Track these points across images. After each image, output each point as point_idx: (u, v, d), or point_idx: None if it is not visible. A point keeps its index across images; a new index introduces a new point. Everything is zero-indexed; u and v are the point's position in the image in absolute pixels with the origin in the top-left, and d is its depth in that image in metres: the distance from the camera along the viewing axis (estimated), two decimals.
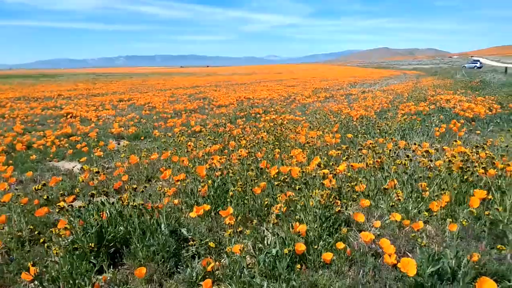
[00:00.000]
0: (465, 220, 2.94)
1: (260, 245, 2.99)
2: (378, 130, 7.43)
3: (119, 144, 9.06)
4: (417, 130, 7.72)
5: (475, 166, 3.91)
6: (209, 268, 2.95)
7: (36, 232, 2.88)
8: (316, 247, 3.04)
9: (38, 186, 2.97)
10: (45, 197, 3.02)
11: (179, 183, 4.17)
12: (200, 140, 6.11)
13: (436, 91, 17.51)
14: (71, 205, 3.19)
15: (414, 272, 2.44)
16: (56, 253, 2.48)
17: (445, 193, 3.53)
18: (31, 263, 2.33)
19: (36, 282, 2.94)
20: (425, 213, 3.39)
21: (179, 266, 3.09)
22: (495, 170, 3.89)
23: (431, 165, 4.21)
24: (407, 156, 4.23)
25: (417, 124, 7.93)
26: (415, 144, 4.85)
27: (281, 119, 9.55)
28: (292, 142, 6.55)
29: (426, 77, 37.32)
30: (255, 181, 4.54)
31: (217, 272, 3.00)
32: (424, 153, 4.33)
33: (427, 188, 3.83)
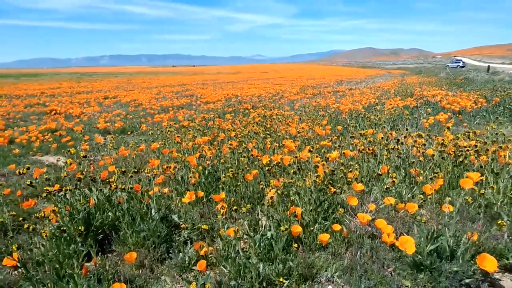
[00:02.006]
0: (461, 202, 2.92)
1: (256, 228, 2.90)
2: (368, 122, 7.43)
3: (105, 138, 8.87)
4: (406, 121, 7.76)
5: (468, 150, 3.91)
6: (202, 252, 2.86)
7: (20, 219, 2.73)
8: (311, 229, 2.97)
9: (22, 170, 2.81)
10: (28, 182, 2.87)
11: (169, 170, 4.06)
12: (190, 131, 5.99)
13: (422, 88, 17.71)
14: (57, 191, 3.05)
15: (413, 250, 2.39)
16: (44, 235, 2.35)
17: (438, 176, 3.51)
18: (15, 246, 2.19)
19: (20, 270, 2.81)
20: (420, 195, 3.36)
21: (170, 252, 2.98)
22: (487, 155, 3.89)
23: (423, 150, 4.20)
24: (398, 140, 4.21)
25: (406, 116, 7.97)
26: (407, 129, 4.83)
27: (271, 113, 9.49)
28: (282, 133, 6.49)
29: (411, 76, 37.79)
30: (247, 168, 4.47)
31: (210, 256, 2.91)
32: (416, 139, 4.32)
33: (422, 172, 3.81)
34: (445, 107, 9.89)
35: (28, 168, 2.94)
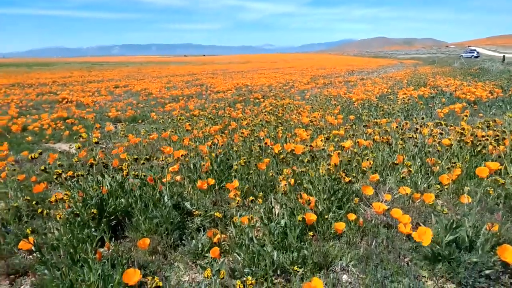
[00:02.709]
0: (481, 192, 2.84)
1: (270, 216, 2.87)
2: (381, 112, 7.31)
3: (116, 127, 8.90)
4: (420, 111, 7.61)
5: (487, 139, 3.80)
6: (215, 240, 2.84)
7: (34, 203, 2.74)
8: (326, 217, 2.93)
9: (34, 155, 2.81)
10: (42, 168, 2.87)
11: (181, 158, 4.04)
12: (201, 120, 5.96)
13: (435, 78, 17.39)
14: (70, 177, 3.05)
15: (429, 241, 2.33)
16: (59, 218, 2.35)
17: (456, 165, 3.43)
18: (29, 229, 2.19)
19: (34, 254, 2.83)
20: (437, 185, 3.28)
21: (183, 239, 2.97)
22: (505, 145, 3.79)
23: (439, 140, 4.11)
24: (416, 129, 4.11)
25: (420, 106, 7.82)
26: (423, 118, 4.72)
27: (282, 102, 9.40)
28: (294, 122, 6.42)
29: (424, 66, 37.15)
30: (259, 157, 4.42)
31: (223, 243, 2.89)
32: (432, 128, 4.22)
33: (439, 162, 3.72)
34: (460, 97, 9.69)
35: (40, 153, 2.94)
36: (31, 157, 2.87)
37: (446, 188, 3.46)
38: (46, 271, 2.24)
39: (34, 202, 2.74)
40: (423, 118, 4.69)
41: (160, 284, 1.63)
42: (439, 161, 3.75)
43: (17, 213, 3.43)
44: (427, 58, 62.54)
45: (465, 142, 3.88)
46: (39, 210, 2.63)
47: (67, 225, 2.53)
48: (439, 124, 4.15)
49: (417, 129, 4.12)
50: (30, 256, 2.84)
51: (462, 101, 9.05)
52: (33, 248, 2.41)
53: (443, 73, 22.77)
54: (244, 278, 2.11)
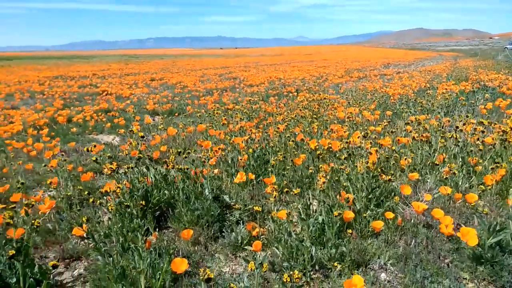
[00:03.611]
0: None
1: (307, 212, 2.92)
2: (419, 108, 7.13)
3: (154, 119, 9.20)
4: (462, 107, 7.35)
5: None
6: (254, 233, 2.93)
7: (86, 193, 2.93)
8: (364, 215, 2.94)
9: (90, 148, 3.01)
10: (94, 159, 3.06)
11: (219, 152, 4.15)
12: (237, 114, 6.06)
13: (477, 71, 16.62)
14: (117, 168, 3.23)
15: (476, 242, 2.30)
16: (110, 209, 2.51)
17: (501, 166, 3.33)
18: (85, 218, 2.36)
19: (85, 241, 3.03)
20: (481, 186, 3.20)
21: (223, 231, 3.08)
22: None
23: (482, 139, 3.98)
24: (457, 127, 4.00)
25: (461, 102, 7.55)
26: (467, 116, 4.58)
27: (317, 97, 9.35)
28: (330, 118, 6.39)
29: (465, 58, 35.50)
30: (295, 152, 4.47)
31: (261, 237, 2.98)
32: (476, 126, 4.09)
33: (481, 161, 3.62)
34: (505, 92, 9.24)
35: (94, 146, 3.13)
36: (87, 149, 3.06)
37: (489, 189, 3.37)
38: (99, 257, 2.41)
39: (86, 192, 2.93)
40: (467, 116, 4.54)
41: (212, 276, 1.73)
42: (482, 161, 3.65)
43: (68, 201, 3.67)
44: (469, 50, 59.69)
45: (508, 142, 3.75)
46: (91, 200, 2.82)
47: (117, 215, 2.70)
48: (481, 123, 4.02)
49: (457, 127, 4.01)
50: (82, 242, 3.05)
51: (507, 97, 8.63)
52: (85, 235, 2.60)
53: (486, 66, 21.70)
54: (285, 272, 2.18)
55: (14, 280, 2.04)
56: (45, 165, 4.03)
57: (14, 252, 1.99)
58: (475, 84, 10.88)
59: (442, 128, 4.57)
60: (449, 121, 4.65)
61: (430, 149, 4.19)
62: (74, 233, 2.79)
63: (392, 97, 9.01)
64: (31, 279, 2.12)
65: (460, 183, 3.66)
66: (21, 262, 2.07)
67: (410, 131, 4.62)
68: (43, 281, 2.12)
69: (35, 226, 2.32)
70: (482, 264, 2.43)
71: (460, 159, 3.92)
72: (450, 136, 3.95)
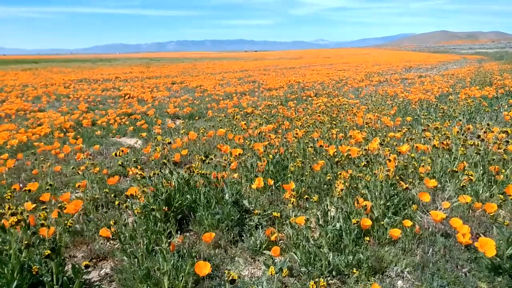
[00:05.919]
0: None
1: (325, 219, 2.98)
2: (440, 113, 7.05)
3: (175, 123, 9.40)
4: (484, 114, 7.23)
5: None
6: (273, 238, 3.01)
7: (112, 195, 3.07)
8: (382, 223, 2.98)
9: (118, 152, 3.16)
10: (120, 163, 3.21)
11: (239, 157, 4.25)
12: (257, 119, 6.15)
13: (503, 76, 16.21)
14: (142, 171, 3.37)
15: (494, 252, 2.32)
16: (136, 212, 2.64)
17: None
18: (113, 221, 2.49)
19: (111, 241, 3.18)
20: (500, 196, 3.19)
21: (242, 235, 3.17)
22: None
23: (505, 147, 3.94)
24: (479, 136, 3.98)
25: (484, 108, 7.43)
26: (488, 124, 4.53)
27: (336, 101, 9.36)
28: (349, 123, 6.41)
29: (490, 62, 34.61)
30: (314, 159, 4.52)
31: (280, 242, 3.05)
32: (498, 135, 4.05)
33: (503, 170, 3.59)
34: None
35: (122, 151, 3.28)
36: (115, 154, 3.21)
37: (511, 199, 3.34)
38: (125, 257, 2.54)
39: (112, 195, 3.08)
40: (488, 125, 4.49)
41: (236, 277, 1.82)
42: (503, 170, 3.62)
43: (94, 203, 3.84)
44: (494, 53, 58.13)
45: None
46: (117, 202, 2.96)
47: (142, 217, 2.83)
48: (507, 133, 3.98)
49: (479, 135, 3.98)
50: (108, 243, 3.20)
51: None
52: (111, 236, 2.74)
53: None
54: (303, 276, 2.25)
55: (50, 278, 2.18)
56: (73, 168, 4.22)
57: (49, 251, 2.13)
58: (499, 90, 10.65)
59: (463, 135, 4.54)
60: (468, 129, 4.61)
61: (451, 157, 4.17)
62: (101, 234, 2.94)
63: (412, 103, 8.94)
64: (64, 277, 2.26)
65: (480, 192, 3.64)
66: (54, 261, 2.21)
67: (430, 138, 4.60)
68: (75, 279, 2.25)
69: (67, 227, 2.47)
70: (500, 274, 2.44)
71: (481, 168, 3.89)
72: (471, 144, 3.92)
